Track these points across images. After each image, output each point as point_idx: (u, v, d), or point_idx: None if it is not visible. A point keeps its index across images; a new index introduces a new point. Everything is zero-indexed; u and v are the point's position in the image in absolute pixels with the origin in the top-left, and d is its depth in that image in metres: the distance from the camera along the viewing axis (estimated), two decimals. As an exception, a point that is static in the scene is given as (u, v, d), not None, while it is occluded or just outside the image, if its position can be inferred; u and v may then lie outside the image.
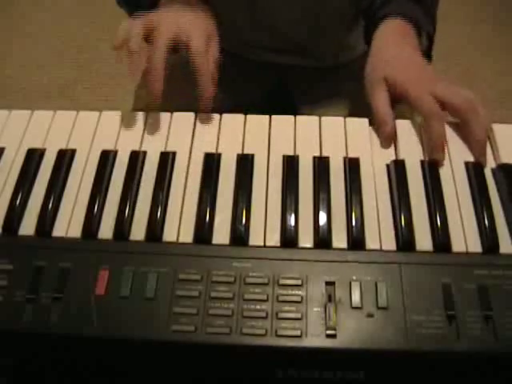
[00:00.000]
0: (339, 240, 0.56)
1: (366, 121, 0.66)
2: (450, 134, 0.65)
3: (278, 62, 0.94)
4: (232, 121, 0.66)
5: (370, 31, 0.74)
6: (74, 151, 0.64)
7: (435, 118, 0.62)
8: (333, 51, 0.93)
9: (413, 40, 0.71)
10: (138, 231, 0.57)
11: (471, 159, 0.63)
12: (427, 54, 0.75)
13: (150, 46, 0.66)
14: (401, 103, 0.67)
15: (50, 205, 0.58)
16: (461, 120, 0.64)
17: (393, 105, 0.66)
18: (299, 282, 0.53)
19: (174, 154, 0.63)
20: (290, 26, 0.87)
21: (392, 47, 0.70)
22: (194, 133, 0.65)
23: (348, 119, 0.66)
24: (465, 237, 0.56)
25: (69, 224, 0.58)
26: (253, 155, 0.63)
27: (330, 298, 0.52)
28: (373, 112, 0.66)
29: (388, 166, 0.62)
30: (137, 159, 0.62)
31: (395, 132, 0.65)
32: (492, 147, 0.64)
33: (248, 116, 0.67)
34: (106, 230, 0.57)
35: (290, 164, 0.62)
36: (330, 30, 0.89)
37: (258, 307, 0.52)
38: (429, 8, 0.76)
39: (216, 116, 0.67)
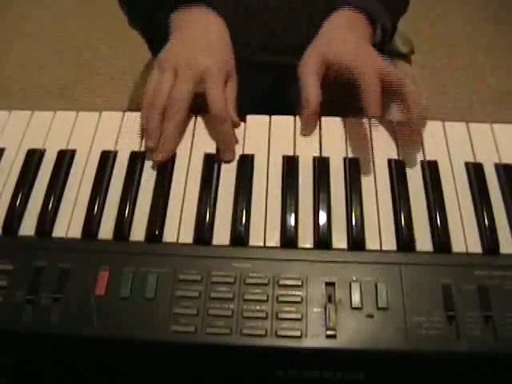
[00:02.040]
0: (339, 240, 0.56)
1: (365, 121, 0.66)
2: (450, 134, 0.65)
3: (275, 62, 0.94)
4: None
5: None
6: (74, 152, 0.64)
7: (373, 83, 0.62)
8: None
9: (362, 29, 0.72)
10: (138, 232, 0.57)
11: (471, 159, 0.63)
12: (379, 48, 0.75)
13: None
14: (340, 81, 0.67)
15: (50, 205, 0.58)
16: (397, 96, 0.64)
17: (327, 82, 0.67)
18: (299, 283, 0.53)
19: (173, 154, 0.63)
20: (286, 26, 0.87)
21: (337, 30, 0.71)
22: (194, 133, 0.65)
23: (348, 119, 0.66)
24: (465, 237, 0.56)
25: (69, 224, 0.58)
26: (253, 155, 0.63)
27: (329, 299, 0.52)
28: (301, 92, 0.66)
29: (388, 166, 0.62)
30: (137, 160, 0.62)
31: (394, 132, 0.65)
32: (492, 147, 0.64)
33: (248, 116, 0.67)
34: (106, 231, 0.57)
35: (290, 164, 0.62)
36: None
37: (258, 308, 0.52)
38: (388, 1, 0.76)
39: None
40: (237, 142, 0.64)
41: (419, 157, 0.63)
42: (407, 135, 0.64)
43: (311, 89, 0.66)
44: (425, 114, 0.64)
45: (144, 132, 0.64)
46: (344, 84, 0.67)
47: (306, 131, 0.65)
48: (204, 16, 0.72)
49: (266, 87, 0.95)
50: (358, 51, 0.67)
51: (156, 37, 0.74)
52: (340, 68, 0.66)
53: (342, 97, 0.71)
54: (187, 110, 0.64)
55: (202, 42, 0.69)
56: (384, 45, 0.78)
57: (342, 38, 0.69)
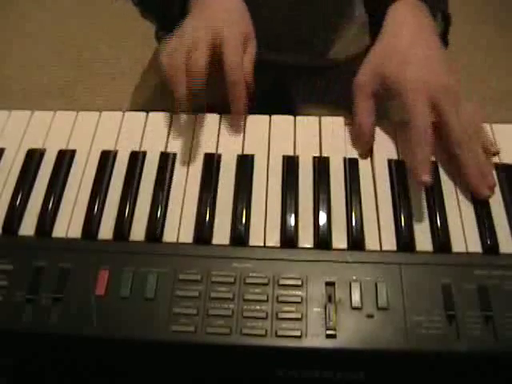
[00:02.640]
0: (339, 240, 0.56)
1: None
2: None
3: (276, 60, 0.94)
4: (232, 121, 0.66)
5: (377, 18, 0.68)
6: (74, 151, 0.63)
7: (422, 142, 0.57)
8: (331, 49, 0.93)
9: (429, 23, 0.64)
10: (138, 231, 0.57)
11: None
12: (443, 38, 0.70)
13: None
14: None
15: (50, 205, 0.58)
16: (450, 150, 0.60)
17: (382, 101, 0.64)
18: (299, 283, 0.53)
19: (173, 154, 0.63)
20: (286, 24, 0.87)
21: (405, 35, 0.63)
22: (194, 133, 0.65)
23: (348, 119, 0.66)
24: (465, 237, 0.56)
25: (69, 224, 0.58)
26: (253, 155, 0.63)
27: (330, 299, 0.52)
28: (353, 115, 0.64)
29: (388, 166, 0.62)
30: (137, 159, 0.62)
31: (395, 132, 0.65)
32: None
33: (248, 116, 0.67)
34: (106, 231, 0.57)
35: (290, 164, 0.62)
36: (327, 27, 0.89)
37: (258, 307, 0.52)
38: None
39: (216, 116, 0.67)
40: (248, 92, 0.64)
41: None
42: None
43: (365, 114, 0.62)
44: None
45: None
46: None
47: (359, 151, 0.63)
48: None
49: (266, 87, 0.95)
50: (421, 84, 0.59)
51: (171, 24, 0.73)
52: (395, 95, 0.61)
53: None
54: (205, 78, 0.62)
55: (220, 12, 0.68)
56: (447, 34, 0.71)
57: (405, 51, 0.61)
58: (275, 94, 0.96)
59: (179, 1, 0.72)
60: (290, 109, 0.91)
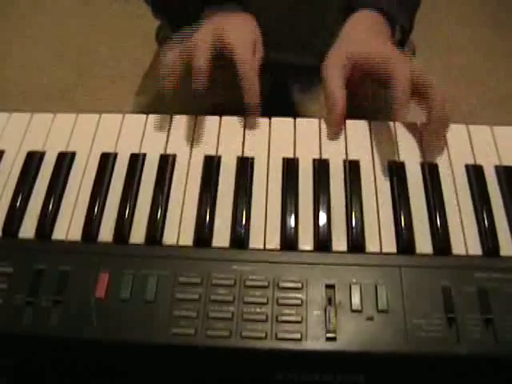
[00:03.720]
0: (339, 243, 0.56)
1: (365, 122, 0.66)
2: (451, 136, 0.65)
3: (276, 60, 0.94)
4: (232, 123, 0.66)
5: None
6: (73, 154, 0.63)
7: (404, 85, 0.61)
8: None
9: (384, 30, 0.71)
10: (138, 234, 0.57)
11: (472, 161, 0.63)
12: (400, 45, 0.76)
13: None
14: (365, 82, 0.67)
15: (50, 208, 0.58)
16: (422, 96, 0.63)
17: (353, 83, 0.66)
18: (299, 285, 0.53)
19: (173, 156, 0.63)
20: (286, 24, 0.87)
21: (360, 32, 0.70)
22: (194, 135, 0.65)
23: (348, 121, 0.66)
24: (465, 239, 0.56)
25: (69, 227, 0.58)
26: (253, 158, 0.63)
27: (329, 301, 0.52)
28: (324, 95, 0.66)
29: (388, 168, 0.62)
30: (137, 162, 0.62)
31: (395, 134, 0.65)
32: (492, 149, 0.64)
33: (248, 118, 0.67)
34: (106, 233, 0.57)
35: (290, 166, 0.62)
36: (327, 27, 0.89)
37: (258, 310, 0.52)
38: (406, 2, 0.76)
39: (216, 118, 0.67)
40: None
41: (419, 159, 0.63)
42: (429, 137, 0.63)
43: (336, 91, 0.65)
44: (449, 116, 0.63)
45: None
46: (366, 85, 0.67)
47: (332, 135, 0.65)
48: (233, 11, 0.73)
49: (266, 87, 0.95)
50: (384, 48, 0.66)
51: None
52: (368, 64, 0.65)
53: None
54: (206, 75, 0.64)
55: (228, 20, 0.70)
56: (403, 45, 0.77)
57: (365, 38, 0.68)
58: (275, 94, 0.96)
59: (193, 11, 0.74)
60: (290, 109, 0.91)
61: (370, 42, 0.68)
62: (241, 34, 0.68)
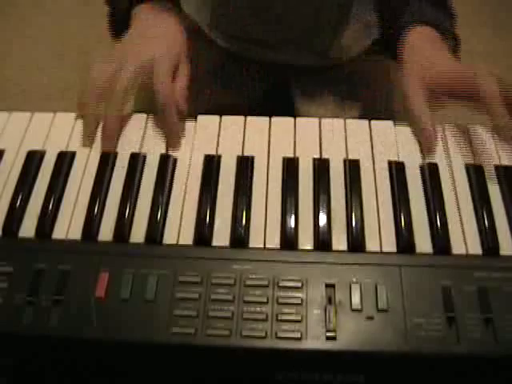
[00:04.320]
0: (339, 242, 0.56)
1: (366, 122, 0.66)
2: (450, 136, 0.65)
3: (276, 60, 0.94)
4: (232, 123, 0.66)
5: (391, 38, 0.73)
6: (74, 153, 0.63)
7: (498, 99, 0.60)
8: (331, 49, 0.93)
9: (443, 45, 0.70)
10: (138, 233, 0.57)
11: (472, 161, 0.63)
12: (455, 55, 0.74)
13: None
14: (448, 100, 0.65)
15: (50, 207, 0.58)
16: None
17: (437, 104, 0.65)
18: (299, 284, 0.53)
19: (174, 156, 0.63)
20: (288, 24, 0.87)
21: (425, 52, 0.68)
22: (194, 135, 0.65)
23: (348, 120, 0.66)
24: (465, 239, 0.56)
25: (69, 226, 0.57)
26: (253, 157, 0.63)
27: (329, 301, 0.52)
28: (413, 123, 0.64)
29: (388, 168, 0.62)
30: (137, 161, 0.62)
31: (395, 134, 0.65)
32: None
33: (248, 118, 0.67)
34: (106, 233, 0.57)
35: (290, 166, 0.62)
36: (327, 27, 0.89)
37: (258, 309, 0.52)
38: (449, 7, 0.75)
39: (216, 118, 0.67)
40: (183, 135, 0.64)
41: (419, 158, 0.63)
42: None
43: (428, 122, 0.63)
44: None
45: (83, 121, 0.65)
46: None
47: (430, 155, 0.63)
48: (160, 10, 0.73)
49: (267, 87, 0.95)
50: (457, 64, 0.64)
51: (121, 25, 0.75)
52: (450, 85, 0.64)
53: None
54: (130, 100, 0.64)
55: (152, 34, 0.70)
56: (458, 51, 0.76)
57: (431, 57, 0.66)
58: (275, 94, 0.96)
59: (124, 10, 0.74)
60: (290, 109, 0.91)
61: (438, 60, 0.66)
62: (164, 55, 0.66)
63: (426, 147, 0.63)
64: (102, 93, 0.64)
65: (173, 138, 0.64)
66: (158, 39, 0.69)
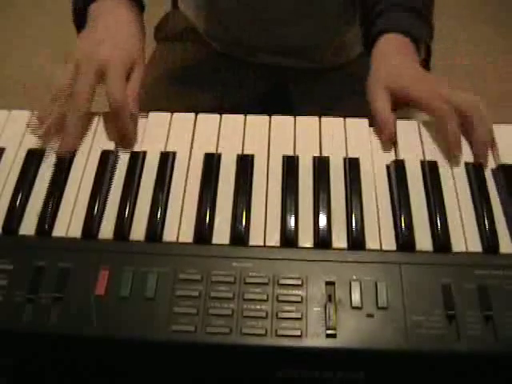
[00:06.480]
0: (339, 240, 0.56)
1: (365, 121, 0.66)
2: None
3: (276, 63, 0.94)
4: (232, 121, 0.66)
5: (368, 41, 0.74)
6: (74, 151, 0.63)
7: (449, 118, 0.62)
8: (330, 52, 0.94)
9: (412, 55, 0.71)
10: (138, 231, 0.57)
11: (471, 160, 0.63)
12: (426, 66, 0.76)
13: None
14: (404, 108, 0.67)
15: (50, 205, 0.58)
16: (465, 122, 0.64)
17: (394, 110, 0.66)
18: (299, 282, 0.53)
19: (174, 154, 0.63)
20: (287, 27, 0.87)
21: (392, 60, 0.70)
22: (194, 133, 0.65)
23: (348, 119, 0.66)
24: (465, 237, 0.56)
25: (69, 224, 0.57)
26: (253, 155, 0.63)
27: (329, 298, 0.52)
28: (374, 116, 0.66)
29: (388, 166, 0.62)
30: (137, 159, 0.62)
31: (395, 131, 0.65)
32: (492, 147, 0.64)
33: (248, 116, 0.67)
34: (106, 230, 0.57)
35: (290, 164, 0.62)
36: (327, 31, 0.89)
37: (258, 307, 0.52)
38: (426, 16, 0.76)
39: (216, 116, 0.67)
40: (135, 135, 0.64)
41: (419, 156, 0.63)
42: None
43: (386, 111, 0.65)
44: (489, 139, 0.64)
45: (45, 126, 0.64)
46: None
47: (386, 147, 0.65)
48: (117, 7, 0.72)
49: (267, 88, 0.96)
50: (418, 81, 0.67)
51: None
52: (407, 99, 0.66)
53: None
54: (89, 103, 0.64)
55: (106, 34, 0.69)
56: (429, 62, 0.78)
57: (406, 71, 0.69)
58: (275, 96, 0.96)
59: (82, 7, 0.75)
60: (290, 111, 0.91)
61: (402, 75, 0.68)
62: (117, 57, 0.66)
63: (384, 134, 0.65)
64: (61, 95, 0.64)
65: (125, 138, 0.64)
66: (112, 40, 0.68)
